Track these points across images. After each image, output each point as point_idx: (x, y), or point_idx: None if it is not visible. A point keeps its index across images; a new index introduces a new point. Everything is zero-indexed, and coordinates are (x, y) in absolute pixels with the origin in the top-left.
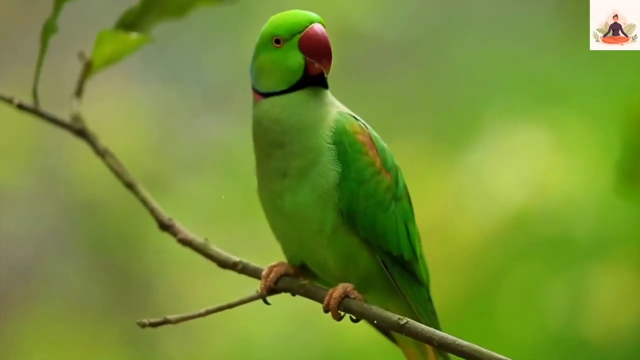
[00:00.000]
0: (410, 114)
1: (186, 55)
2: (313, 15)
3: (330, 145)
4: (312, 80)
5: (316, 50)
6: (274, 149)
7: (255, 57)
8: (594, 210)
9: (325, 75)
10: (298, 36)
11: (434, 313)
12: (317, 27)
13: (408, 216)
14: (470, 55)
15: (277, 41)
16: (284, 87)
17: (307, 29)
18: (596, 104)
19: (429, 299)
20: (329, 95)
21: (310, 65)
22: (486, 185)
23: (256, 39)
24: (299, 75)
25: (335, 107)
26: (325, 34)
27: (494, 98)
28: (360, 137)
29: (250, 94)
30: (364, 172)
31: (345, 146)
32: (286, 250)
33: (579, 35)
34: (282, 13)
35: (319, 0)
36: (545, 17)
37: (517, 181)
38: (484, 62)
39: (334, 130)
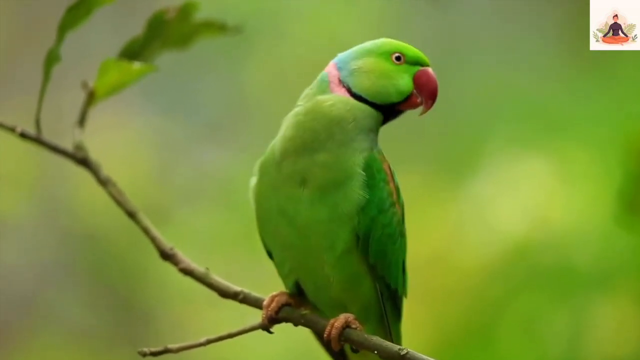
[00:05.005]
0: (412, 145)
1: (186, 86)
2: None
3: (361, 171)
4: (398, 111)
5: (431, 90)
6: (307, 149)
7: (363, 55)
8: (595, 240)
9: (422, 112)
10: (418, 67)
11: None
12: (433, 73)
13: (405, 254)
14: (471, 86)
15: (399, 58)
16: (376, 100)
17: (427, 68)
18: (597, 134)
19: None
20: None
21: (414, 97)
22: (487, 216)
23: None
24: (399, 97)
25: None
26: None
27: (495, 129)
28: (385, 167)
29: (249, 123)
30: (385, 201)
31: (373, 172)
32: (282, 263)
33: (579, 64)
34: None
35: (319, 33)
36: (546, 48)
37: (518, 211)
38: (485, 92)
39: (365, 157)
